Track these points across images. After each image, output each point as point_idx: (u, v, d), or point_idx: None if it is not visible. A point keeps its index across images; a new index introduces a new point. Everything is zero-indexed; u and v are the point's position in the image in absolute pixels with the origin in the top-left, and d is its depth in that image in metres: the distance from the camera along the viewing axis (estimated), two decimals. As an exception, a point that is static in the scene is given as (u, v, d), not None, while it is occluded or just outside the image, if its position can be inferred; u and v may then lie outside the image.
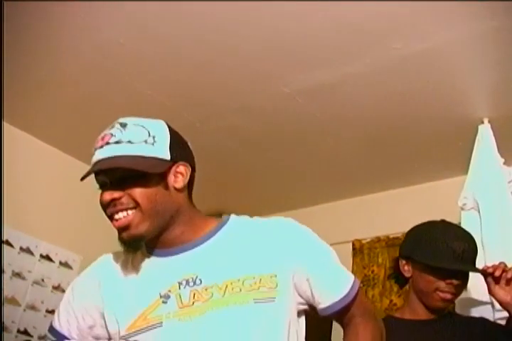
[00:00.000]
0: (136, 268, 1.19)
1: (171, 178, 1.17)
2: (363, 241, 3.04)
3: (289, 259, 1.15)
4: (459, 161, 2.58)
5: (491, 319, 2.17)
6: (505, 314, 2.14)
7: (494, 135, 2.46)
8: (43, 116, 2.89)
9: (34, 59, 2.43)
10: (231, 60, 2.34)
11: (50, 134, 3.05)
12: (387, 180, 3.13)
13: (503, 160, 2.45)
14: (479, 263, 2.24)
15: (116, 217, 1.12)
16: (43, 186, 3.04)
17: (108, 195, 1.12)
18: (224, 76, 2.44)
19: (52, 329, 1.24)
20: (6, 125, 2.90)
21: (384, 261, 2.94)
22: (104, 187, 1.15)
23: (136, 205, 1.12)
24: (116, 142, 1.13)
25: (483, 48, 2.12)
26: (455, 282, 1.63)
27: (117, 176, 1.13)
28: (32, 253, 2.88)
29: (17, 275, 2.79)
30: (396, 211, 3.07)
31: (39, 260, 2.91)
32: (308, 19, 2.07)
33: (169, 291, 1.10)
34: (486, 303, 2.18)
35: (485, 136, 2.47)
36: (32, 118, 2.92)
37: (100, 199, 1.14)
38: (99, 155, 1.13)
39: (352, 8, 1.99)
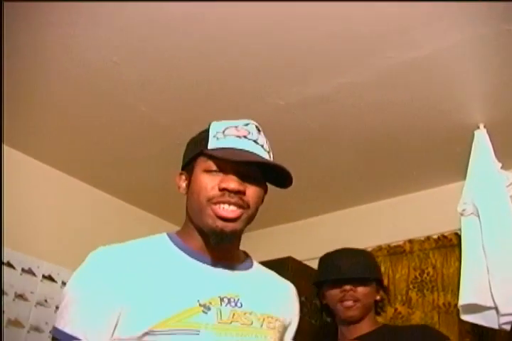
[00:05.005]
0: (169, 263, 1.14)
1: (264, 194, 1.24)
2: (365, 251, 3.03)
3: (290, 320, 1.30)
4: (457, 167, 2.59)
5: (496, 324, 2.16)
6: (510, 318, 2.14)
7: (490, 140, 2.47)
8: (42, 137, 2.90)
9: (30, 80, 2.44)
10: (226, 74, 2.35)
11: (50, 155, 3.06)
12: (385, 188, 3.13)
13: (500, 164, 2.45)
14: (481, 269, 2.24)
15: (227, 206, 1.13)
16: (43, 207, 3.04)
17: (238, 185, 1.14)
18: (219, 90, 2.45)
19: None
20: (6, 148, 2.91)
21: (386, 270, 2.93)
22: (222, 172, 1.16)
23: (248, 206, 1.16)
24: (258, 143, 1.19)
25: (477, 54, 2.13)
26: (347, 287, 1.77)
27: (249, 174, 1.17)
28: (34, 274, 2.87)
29: (20, 296, 2.77)
30: (396, 219, 3.08)
31: (41, 280, 2.89)
32: (301, 32, 2.08)
33: (210, 303, 1.10)
34: (490, 308, 2.18)
35: (481, 141, 2.48)
36: (31, 140, 2.93)
37: (221, 183, 1.14)
38: (246, 147, 1.17)
39: (344, 19, 2.01)
